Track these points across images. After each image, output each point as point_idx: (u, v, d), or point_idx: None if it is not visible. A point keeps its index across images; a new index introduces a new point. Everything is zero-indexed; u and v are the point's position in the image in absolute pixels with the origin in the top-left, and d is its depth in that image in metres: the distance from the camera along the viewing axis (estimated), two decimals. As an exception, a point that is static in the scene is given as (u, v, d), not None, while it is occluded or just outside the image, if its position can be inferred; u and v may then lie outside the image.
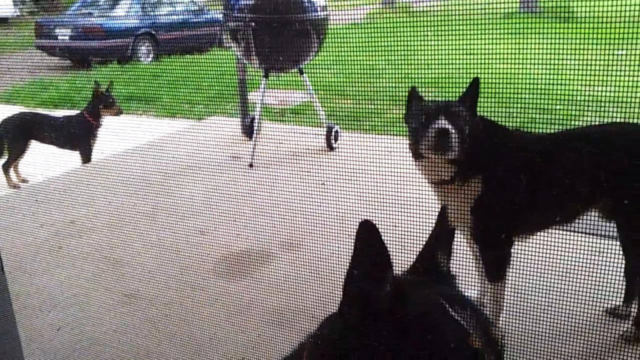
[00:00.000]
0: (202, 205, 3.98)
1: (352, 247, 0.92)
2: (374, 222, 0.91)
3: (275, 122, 6.00)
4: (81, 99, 6.72)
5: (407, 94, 2.40)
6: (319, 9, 4.79)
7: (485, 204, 2.27)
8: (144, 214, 3.91)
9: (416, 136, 2.26)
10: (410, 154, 2.43)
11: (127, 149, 5.10)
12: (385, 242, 0.92)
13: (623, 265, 2.48)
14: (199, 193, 4.24)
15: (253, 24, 4.45)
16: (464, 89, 2.36)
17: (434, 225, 1.12)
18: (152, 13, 10.82)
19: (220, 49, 6.35)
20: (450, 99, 2.41)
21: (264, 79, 4.85)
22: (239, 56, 5.04)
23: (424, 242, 1.12)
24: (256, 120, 4.92)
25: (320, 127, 5.19)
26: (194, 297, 2.93)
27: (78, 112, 5.05)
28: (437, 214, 1.14)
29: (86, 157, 4.99)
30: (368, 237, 0.91)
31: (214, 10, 10.39)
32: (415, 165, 2.42)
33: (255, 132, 4.84)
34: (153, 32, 10.31)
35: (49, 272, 3.25)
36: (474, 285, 2.69)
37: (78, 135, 4.94)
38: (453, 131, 2.15)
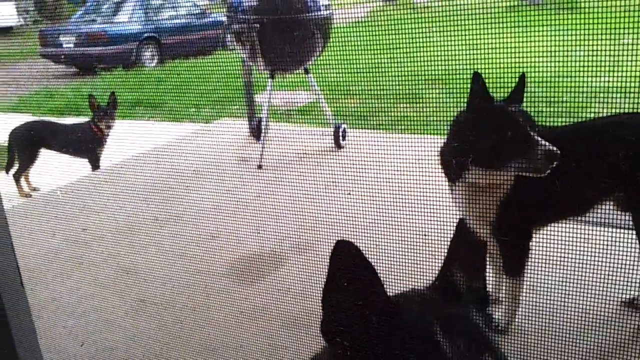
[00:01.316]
0: (212, 209, 3.99)
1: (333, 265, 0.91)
2: (355, 242, 0.89)
3: (282, 123, 6.01)
4: (87, 107, 6.76)
5: (470, 79, 2.25)
6: (322, 7, 4.78)
7: (515, 199, 2.25)
8: (154, 220, 3.92)
9: (504, 149, 2.16)
10: (444, 154, 2.37)
11: (135, 155, 5.12)
12: (370, 260, 0.90)
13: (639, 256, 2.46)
14: (209, 197, 4.24)
15: (257, 25, 4.45)
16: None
17: (451, 238, 1.05)
18: (155, 17, 10.84)
19: (225, 51, 6.35)
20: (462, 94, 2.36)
21: (270, 80, 4.85)
22: (244, 58, 5.05)
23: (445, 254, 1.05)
24: (264, 122, 4.93)
25: (328, 126, 5.19)
26: (207, 302, 2.94)
27: (87, 119, 5.06)
28: (455, 221, 1.10)
29: (94, 165, 5.01)
30: (346, 258, 0.89)
31: (218, 13, 10.41)
32: (451, 167, 2.37)
33: (263, 133, 4.85)
34: (156, 37, 10.33)
35: (64, 281, 3.27)
36: (488, 282, 2.69)
37: (85, 144, 4.96)
38: (557, 152, 2.08)
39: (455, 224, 1.08)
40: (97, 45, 9.83)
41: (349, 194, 3.80)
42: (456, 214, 2.48)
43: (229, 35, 5.24)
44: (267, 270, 3.19)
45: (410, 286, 1.05)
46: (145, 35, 10.24)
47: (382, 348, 0.87)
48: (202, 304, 2.92)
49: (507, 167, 2.16)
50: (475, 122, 2.28)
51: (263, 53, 4.66)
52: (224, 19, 6.67)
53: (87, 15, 10.96)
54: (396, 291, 1.01)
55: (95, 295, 3.09)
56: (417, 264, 2.98)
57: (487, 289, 1.05)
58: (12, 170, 5.00)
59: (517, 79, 2.39)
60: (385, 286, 0.91)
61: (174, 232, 3.72)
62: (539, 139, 2.09)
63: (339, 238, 2.85)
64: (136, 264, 3.36)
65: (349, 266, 0.89)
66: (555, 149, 2.07)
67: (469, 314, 0.97)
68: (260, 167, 4.69)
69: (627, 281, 2.52)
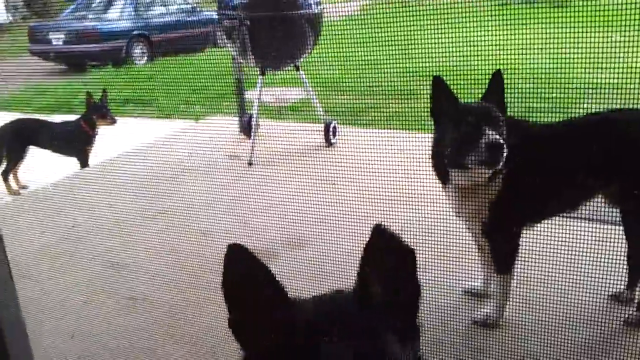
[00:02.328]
0: (203, 206, 3.98)
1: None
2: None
3: (273, 120, 5.99)
4: (78, 104, 6.71)
5: (430, 84, 2.28)
6: (313, 4, 4.77)
7: (506, 197, 2.26)
8: (144, 217, 3.90)
9: (458, 148, 2.20)
10: (434, 157, 2.38)
11: (125, 152, 5.10)
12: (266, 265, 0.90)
13: (626, 251, 2.48)
14: (200, 193, 4.23)
15: (248, 22, 4.43)
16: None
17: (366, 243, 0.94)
18: (145, 14, 10.78)
19: (216, 48, 6.33)
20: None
21: (261, 76, 4.84)
22: (234, 55, 5.03)
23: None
24: (254, 119, 4.91)
25: (318, 123, 5.18)
26: (198, 298, 2.93)
27: (76, 118, 5.04)
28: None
29: (83, 163, 4.99)
30: (239, 261, 0.90)
31: (208, 10, 10.37)
32: (440, 170, 2.38)
33: (253, 130, 4.83)
34: (147, 34, 10.28)
35: (54, 278, 3.25)
36: (478, 278, 2.70)
37: (74, 142, 4.93)
38: (503, 143, 2.11)
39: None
40: (87, 43, 9.77)
41: (334, 184, 3.80)
42: (451, 214, 2.49)
43: (219, 32, 5.22)
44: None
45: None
46: (136, 32, 10.18)
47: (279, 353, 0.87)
48: (193, 299, 2.91)
49: (469, 164, 2.16)
50: (439, 125, 2.32)
51: (253, 50, 4.64)
52: (215, 15, 6.65)
53: (77, 12, 10.89)
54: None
55: (85, 291, 3.07)
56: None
57: (419, 323, 0.95)
58: (1, 168, 4.97)
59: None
60: (285, 290, 0.91)
61: (164, 229, 3.71)
62: (488, 132, 2.09)
63: (332, 235, 2.86)
64: (126, 259, 3.34)
65: (242, 270, 0.91)
66: (498, 139, 2.07)
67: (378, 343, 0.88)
68: (250, 164, 4.68)
69: (614, 276, 2.54)
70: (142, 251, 3.45)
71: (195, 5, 10.75)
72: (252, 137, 4.81)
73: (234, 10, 4.72)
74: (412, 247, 0.93)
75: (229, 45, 4.98)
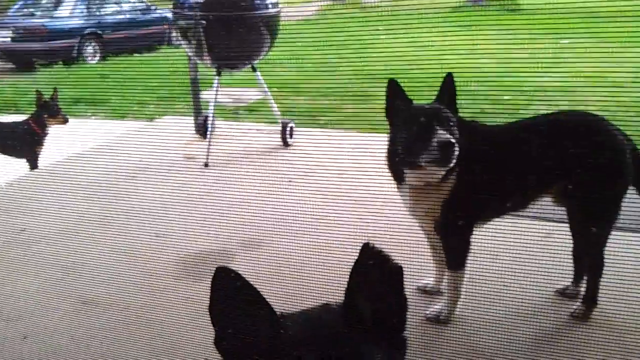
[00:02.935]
0: (158, 208, 3.92)
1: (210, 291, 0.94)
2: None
3: (229, 121, 5.95)
4: (25, 103, 6.50)
5: (386, 87, 2.33)
6: (270, 5, 4.77)
7: (458, 196, 2.32)
8: (97, 219, 3.82)
9: (411, 147, 2.25)
10: (389, 158, 2.41)
11: (76, 153, 4.98)
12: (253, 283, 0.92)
13: (572, 248, 2.58)
14: (154, 195, 4.17)
15: (204, 21, 4.40)
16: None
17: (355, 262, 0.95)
18: (97, 12, 10.55)
19: (171, 47, 6.26)
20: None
21: (217, 77, 4.80)
22: (190, 55, 4.98)
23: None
24: (210, 119, 4.88)
25: (275, 124, 5.18)
26: (154, 301, 2.89)
27: (24, 118, 4.87)
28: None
29: (32, 164, 4.83)
30: (226, 283, 0.92)
31: (163, 9, 10.22)
32: (395, 169, 2.41)
33: (209, 131, 4.79)
34: (99, 32, 10.05)
35: (4, 282, 3.15)
36: (431, 276, 2.76)
37: (23, 143, 4.77)
38: (455, 142, 2.16)
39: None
40: (36, 40, 9.48)
41: (290, 181, 3.81)
42: (405, 213, 2.54)
43: (174, 32, 5.17)
44: (214, 268, 3.15)
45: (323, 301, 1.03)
46: (88, 30, 9.94)
47: None
48: (148, 303, 2.87)
49: (422, 163, 2.21)
50: (394, 126, 2.37)
51: (209, 50, 4.61)
52: (170, 14, 6.57)
53: (25, 8, 10.56)
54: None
55: (37, 295, 2.98)
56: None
57: (405, 337, 0.98)
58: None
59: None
60: (272, 307, 0.93)
61: (118, 232, 3.64)
62: (440, 131, 2.15)
63: (289, 235, 2.87)
64: (78, 263, 3.26)
65: (229, 291, 0.93)
66: (450, 138, 2.14)
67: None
68: (206, 165, 4.64)
69: (561, 271, 2.64)
70: (95, 254, 3.37)
71: (149, 3, 10.58)
72: (208, 138, 4.77)
73: (190, 10, 4.67)
74: (399, 264, 0.96)
75: (184, 44, 4.93)
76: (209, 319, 2.48)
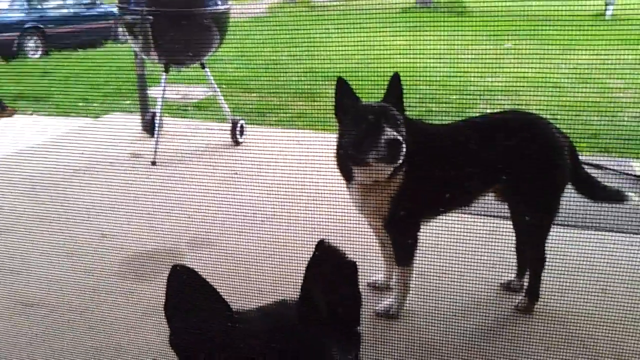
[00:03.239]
0: (104, 207, 3.82)
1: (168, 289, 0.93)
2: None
3: (177, 118, 5.86)
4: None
5: (334, 85, 2.34)
6: (219, 2, 4.72)
7: (405, 194, 2.35)
8: (40, 219, 3.69)
9: (359, 145, 2.26)
10: (338, 156, 2.42)
11: (17, 150, 4.79)
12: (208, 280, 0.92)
13: (515, 243, 2.67)
14: (100, 194, 4.06)
15: (151, 17, 4.31)
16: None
17: (310, 258, 0.96)
18: (39, 6, 10.18)
19: (117, 43, 6.11)
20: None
21: (165, 73, 4.72)
22: (137, 51, 4.87)
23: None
24: (157, 117, 4.78)
25: (225, 122, 5.13)
26: (100, 302, 2.82)
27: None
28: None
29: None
30: (181, 281, 0.91)
31: (108, 4, 9.97)
32: (344, 168, 2.42)
33: (157, 128, 4.70)
34: (41, 26, 9.71)
35: None
36: (380, 272, 2.79)
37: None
38: (402, 140, 2.18)
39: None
40: (-27, 34, 9.08)
41: (236, 174, 3.78)
42: (352, 210, 2.56)
43: (120, 27, 5.04)
44: (164, 266, 3.10)
45: (283, 294, 1.03)
46: (29, 24, 9.58)
47: None
48: (94, 304, 2.80)
49: (370, 161, 2.24)
50: (342, 124, 2.39)
51: (157, 46, 4.52)
52: (115, 9, 6.41)
53: (-40, 0, 10.09)
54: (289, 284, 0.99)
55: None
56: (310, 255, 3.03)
57: (360, 331, 1.00)
58: None
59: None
60: (229, 303, 0.93)
61: (61, 232, 3.52)
62: (388, 129, 2.19)
63: (238, 233, 2.85)
64: (21, 265, 3.15)
65: (185, 288, 0.92)
66: (397, 136, 2.18)
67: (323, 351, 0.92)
68: (154, 163, 4.54)
69: (504, 266, 2.72)
70: (38, 256, 3.26)
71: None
72: (155, 136, 4.67)
73: (137, 5, 4.57)
74: (354, 260, 0.96)
75: (130, 40, 4.82)
76: (156, 318, 2.44)
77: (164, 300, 0.94)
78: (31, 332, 2.60)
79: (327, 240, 0.95)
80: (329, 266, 0.95)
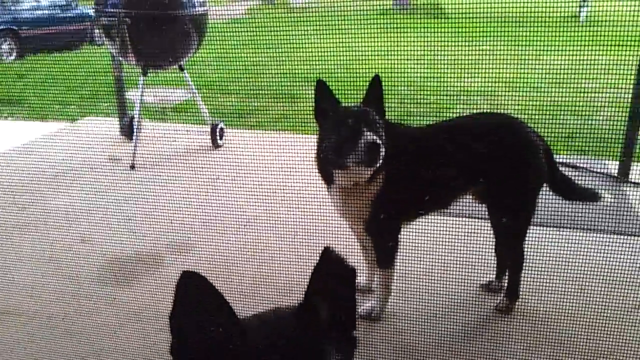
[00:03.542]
0: (82, 212, 3.78)
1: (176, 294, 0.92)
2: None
3: (156, 121, 5.82)
4: None
5: (313, 87, 2.32)
6: (197, 4, 4.70)
7: (385, 196, 2.36)
8: (15, 225, 3.63)
9: (339, 149, 2.26)
10: (318, 159, 2.42)
11: (-8, 155, 4.72)
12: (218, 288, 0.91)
13: (494, 244, 2.70)
14: (77, 199, 4.01)
15: (128, 19, 4.27)
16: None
17: (315, 265, 0.99)
18: (13, 7, 10.01)
19: (93, 46, 6.04)
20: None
21: (142, 76, 4.68)
22: (114, 53, 4.82)
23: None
24: (136, 120, 4.74)
25: (204, 125, 5.11)
26: (79, 308, 2.78)
27: None
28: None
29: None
30: (192, 288, 0.90)
31: (84, 5, 9.84)
32: (324, 171, 2.43)
33: (135, 132, 4.66)
34: (15, 28, 9.55)
35: None
36: (362, 274, 2.81)
37: None
38: (380, 143, 2.19)
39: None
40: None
41: (218, 178, 3.77)
42: (333, 213, 2.57)
43: (97, 30, 4.99)
44: (144, 271, 3.08)
45: (276, 303, 1.04)
46: (2, 26, 9.42)
47: None
48: (73, 310, 2.76)
49: (349, 164, 2.25)
50: (322, 127, 2.38)
51: (134, 49, 4.48)
52: (91, 11, 6.34)
53: None
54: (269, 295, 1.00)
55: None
56: (291, 258, 3.04)
57: (355, 332, 1.05)
58: None
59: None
60: (235, 311, 0.93)
61: (38, 237, 3.48)
62: (367, 133, 2.20)
63: (218, 237, 2.83)
64: (-5, 272, 3.10)
65: (194, 295, 0.91)
66: (376, 140, 2.19)
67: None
68: (133, 167, 4.50)
69: (484, 266, 2.76)
70: (15, 262, 3.21)
71: (69, 0, 10.16)
72: (134, 139, 4.63)
73: (113, 7, 4.52)
74: (354, 267, 0.99)
75: (107, 43, 4.77)
76: (138, 322, 2.42)
77: (171, 307, 0.92)
78: (12, 340, 2.56)
79: (332, 247, 0.98)
80: (332, 273, 0.98)
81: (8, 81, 7.57)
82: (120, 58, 4.85)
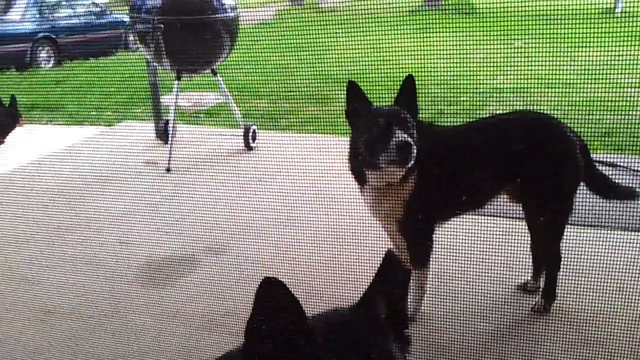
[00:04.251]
0: (120, 215, 3.87)
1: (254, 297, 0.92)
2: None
3: (190, 125, 5.91)
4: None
5: (345, 89, 2.34)
6: (228, 8, 4.76)
7: (419, 196, 2.36)
8: (57, 227, 3.74)
9: (371, 149, 2.27)
10: (351, 160, 2.44)
11: (34, 160, 4.86)
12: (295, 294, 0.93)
13: (530, 243, 2.67)
14: (116, 201, 4.11)
15: (162, 25, 4.36)
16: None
17: (379, 267, 1.03)
18: (51, 16, 10.29)
19: (128, 52, 6.16)
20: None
21: (177, 81, 4.77)
22: (149, 59, 4.92)
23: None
24: (171, 124, 4.83)
25: (237, 127, 5.17)
26: (118, 308, 2.86)
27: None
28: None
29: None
30: (272, 294, 0.91)
31: (118, 12, 10.05)
32: (357, 172, 2.44)
33: (170, 135, 4.75)
34: (53, 36, 9.82)
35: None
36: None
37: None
38: (412, 143, 2.19)
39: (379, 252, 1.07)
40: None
41: (251, 180, 3.80)
42: (367, 214, 2.58)
43: (131, 36, 5.10)
44: (179, 273, 3.14)
45: (331, 302, 1.07)
46: (41, 34, 9.70)
47: None
48: (112, 311, 2.84)
49: (381, 164, 2.26)
50: (354, 128, 2.39)
51: (169, 54, 4.57)
52: (126, 18, 6.47)
53: (-27, 12, 10.24)
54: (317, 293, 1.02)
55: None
56: (326, 260, 3.05)
57: (409, 333, 1.09)
58: None
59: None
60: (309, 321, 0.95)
61: (79, 240, 3.58)
62: (398, 133, 2.20)
63: (252, 239, 2.86)
64: (39, 273, 3.20)
65: (274, 303, 0.92)
66: (407, 139, 2.19)
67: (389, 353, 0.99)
68: (168, 170, 4.59)
69: (520, 267, 2.73)
70: (56, 264, 3.31)
71: (104, 7, 10.39)
72: (169, 143, 4.72)
73: (147, 14, 4.62)
74: (409, 269, 1.05)
75: (142, 49, 4.87)
76: (176, 323, 2.47)
77: (250, 313, 0.93)
78: (56, 339, 2.64)
79: (393, 250, 1.04)
80: (392, 274, 1.04)
81: (47, 88, 7.78)
82: (155, 63, 4.95)
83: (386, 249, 1.06)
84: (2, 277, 3.19)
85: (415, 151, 2.21)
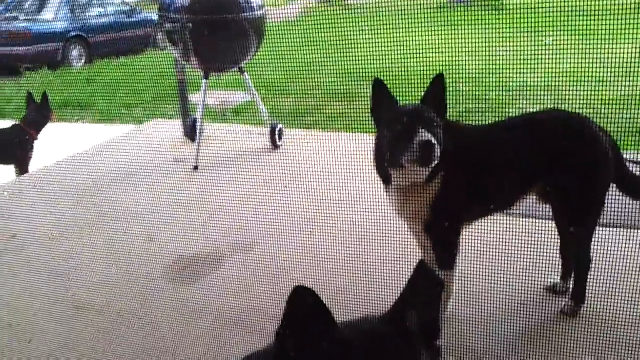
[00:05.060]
0: (149, 211, 3.93)
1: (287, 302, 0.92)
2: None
3: (218, 123, 5.96)
4: (12, 110, 6.47)
5: (371, 86, 2.32)
6: (255, 7, 4.78)
7: (445, 197, 2.34)
8: (88, 224, 3.82)
9: (394, 148, 2.26)
10: (376, 159, 2.43)
11: (65, 158, 4.97)
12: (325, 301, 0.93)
13: (559, 244, 2.62)
14: (145, 199, 4.18)
15: (190, 24, 4.40)
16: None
17: (410, 278, 1.04)
18: (82, 15, 10.48)
19: (157, 50, 6.23)
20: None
21: (205, 79, 4.81)
22: (177, 57, 4.98)
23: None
24: (199, 122, 4.88)
25: (264, 126, 5.20)
26: (146, 305, 2.90)
27: (13, 123, 4.79)
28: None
29: (23, 169, 4.78)
30: (304, 302, 0.92)
31: (147, 11, 10.18)
32: (382, 171, 2.44)
33: (198, 134, 4.80)
34: (84, 35, 10.00)
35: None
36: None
37: (14, 148, 4.68)
38: (435, 143, 2.17)
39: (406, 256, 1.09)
40: (20, 45, 9.41)
41: (286, 187, 3.83)
42: (392, 212, 2.57)
43: (160, 34, 5.16)
44: (206, 270, 3.18)
45: (359, 309, 1.08)
46: (72, 33, 9.88)
47: None
48: (140, 307, 2.89)
49: (405, 163, 2.24)
50: (380, 126, 2.37)
51: (197, 52, 4.61)
52: (154, 17, 6.55)
53: (7, 12, 10.48)
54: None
55: (28, 303, 2.98)
56: (351, 260, 3.05)
57: (440, 344, 1.08)
58: None
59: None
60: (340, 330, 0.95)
61: (109, 236, 3.65)
62: (421, 132, 2.17)
63: (278, 237, 2.88)
64: (70, 268, 3.27)
65: (305, 310, 0.92)
66: (430, 139, 2.16)
67: None
68: (196, 167, 4.64)
69: (549, 268, 2.68)
70: (87, 259, 3.38)
71: (134, 6, 10.54)
72: (197, 141, 4.77)
73: (176, 13, 4.67)
74: (443, 280, 1.04)
75: (171, 47, 4.92)
76: (203, 321, 2.49)
77: (281, 320, 0.93)
78: (85, 333, 2.70)
79: (425, 260, 1.03)
80: (424, 284, 1.03)
81: (78, 86, 7.93)
82: (183, 62, 5.00)
83: (413, 251, 1.06)
84: (36, 272, 3.28)
85: (438, 151, 2.18)
